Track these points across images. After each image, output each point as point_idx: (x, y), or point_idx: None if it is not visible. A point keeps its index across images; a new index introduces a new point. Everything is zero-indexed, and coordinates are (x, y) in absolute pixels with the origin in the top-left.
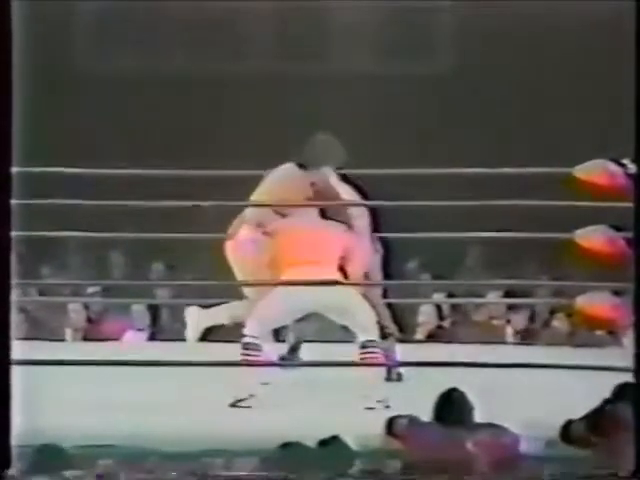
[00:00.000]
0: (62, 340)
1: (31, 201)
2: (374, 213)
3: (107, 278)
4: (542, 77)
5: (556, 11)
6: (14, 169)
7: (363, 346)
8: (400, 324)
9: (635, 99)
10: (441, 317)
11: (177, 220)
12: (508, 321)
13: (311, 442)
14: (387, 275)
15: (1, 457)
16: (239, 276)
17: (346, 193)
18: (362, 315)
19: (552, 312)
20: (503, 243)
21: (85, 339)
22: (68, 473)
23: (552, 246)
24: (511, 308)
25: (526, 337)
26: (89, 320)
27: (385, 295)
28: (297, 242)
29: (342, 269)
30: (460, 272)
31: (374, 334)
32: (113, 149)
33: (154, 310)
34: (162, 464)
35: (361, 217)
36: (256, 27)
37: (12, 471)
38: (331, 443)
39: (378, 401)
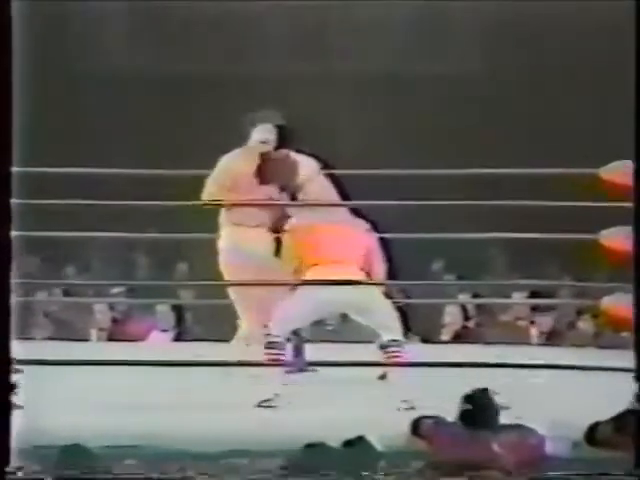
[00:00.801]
0: (87, 340)
1: (31, 201)
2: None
3: (131, 279)
4: (567, 77)
5: (584, 11)
6: (15, 169)
7: (386, 346)
8: (407, 325)
9: (635, 99)
10: (466, 318)
11: (197, 220)
12: (533, 322)
13: (335, 443)
14: (412, 276)
15: (1, 456)
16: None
17: (305, 164)
18: (385, 315)
19: (578, 313)
20: (528, 244)
21: (110, 339)
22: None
23: (577, 247)
24: (536, 309)
25: (551, 338)
26: (114, 321)
27: (409, 296)
28: (320, 240)
29: (364, 269)
30: (485, 273)
31: (398, 334)
32: (119, 149)
33: (179, 311)
34: (186, 464)
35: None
36: (272, 26)
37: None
38: (356, 443)
39: (403, 401)
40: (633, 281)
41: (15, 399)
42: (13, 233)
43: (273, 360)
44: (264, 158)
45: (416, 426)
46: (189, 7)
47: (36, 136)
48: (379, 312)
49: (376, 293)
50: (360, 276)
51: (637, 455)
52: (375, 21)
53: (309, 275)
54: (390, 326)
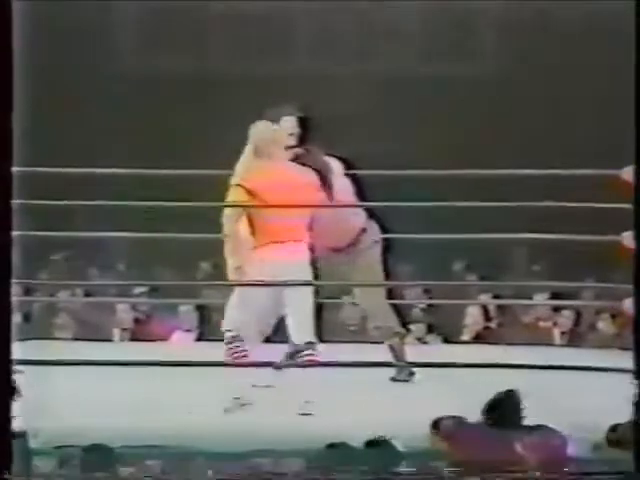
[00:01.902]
0: (110, 340)
1: (31, 201)
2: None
3: (153, 279)
4: (588, 77)
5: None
6: (18, 169)
7: (301, 349)
8: (405, 324)
9: (635, 99)
10: (488, 318)
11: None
12: (555, 323)
13: (358, 443)
14: (434, 276)
15: (1, 458)
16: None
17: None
18: (303, 315)
19: (598, 313)
20: (550, 245)
21: (133, 339)
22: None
23: (599, 248)
24: (558, 310)
25: (573, 339)
26: (137, 321)
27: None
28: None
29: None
30: (507, 274)
31: (311, 335)
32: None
33: (202, 311)
34: (209, 464)
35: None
36: (297, 26)
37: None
38: (378, 444)
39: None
40: (633, 281)
41: (18, 401)
42: (14, 233)
43: (235, 356)
44: (297, 155)
45: (437, 426)
46: (199, 6)
47: (38, 137)
48: (300, 311)
49: (304, 290)
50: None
51: (636, 456)
52: (393, 22)
53: (259, 253)
54: (305, 328)
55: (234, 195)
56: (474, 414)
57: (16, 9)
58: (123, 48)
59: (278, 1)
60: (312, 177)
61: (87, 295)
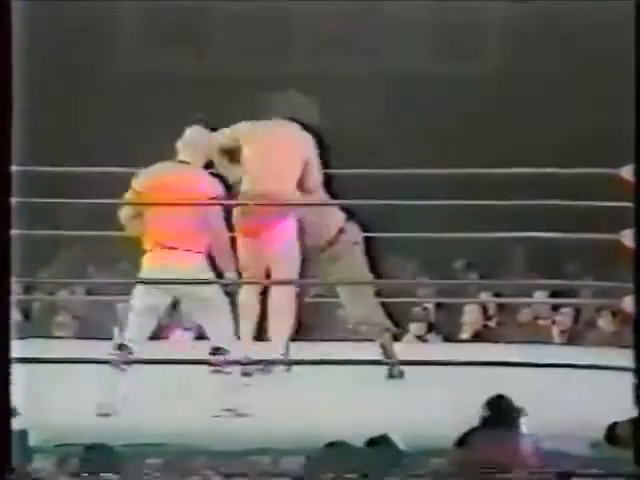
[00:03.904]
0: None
1: (31, 199)
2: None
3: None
4: (585, 77)
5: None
6: (16, 168)
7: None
8: (396, 321)
9: (635, 99)
10: (487, 317)
11: None
12: (554, 322)
13: (358, 442)
14: (434, 274)
15: (1, 458)
16: None
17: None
18: (220, 317)
19: (598, 311)
20: (549, 244)
21: None
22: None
23: (598, 247)
24: (557, 308)
25: (572, 337)
26: None
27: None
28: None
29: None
30: (506, 272)
31: (228, 342)
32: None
33: None
34: (209, 462)
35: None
36: (300, 25)
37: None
38: (379, 442)
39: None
40: (633, 281)
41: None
42: (13, 232)
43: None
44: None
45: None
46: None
47: (38, 135)
48: (213, 312)
49: (214, 289)
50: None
51: (636, 455)
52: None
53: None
54: (222, 333)
55: (127, 195)
56: (470, 412)
57: (15, 8)
58: (124, 47)
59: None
60: (209, 184)
61: (88, 294)
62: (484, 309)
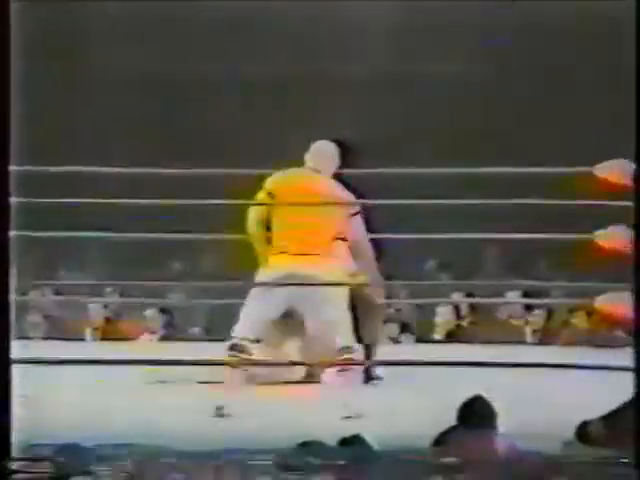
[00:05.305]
0: (81, 340)
1: (30, 199)
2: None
3: (122, 279)
4: (563, 76)
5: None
6: (14, 168)
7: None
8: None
9: (635, 98)
10: (459, 317)
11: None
12: (527, 321)
13: (331, 441)
14: (405, 275)
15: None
16: None
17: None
18: (340, 316)
19: (571, 312)
20: (522, 243)
21: (103, 339)
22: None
23: (571, 246)
24: (530, 308)
25: (545, 337)
26: (107, 320)
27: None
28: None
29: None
30: (479, 273)
31: (350, 339)
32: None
33: (168, 312)
34: (180, 462)
35: None
36: (271, 28)
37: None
38: (352, 442)
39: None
40: (633, 280)
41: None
42: (12, 233)
43: (234, 362)
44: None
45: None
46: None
47: (36, 135)
48: (333, 311)
49: (332, 291)
50: (327, 266)
51: (637, 454)
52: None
53: (272, 261)
54: (344, 330)
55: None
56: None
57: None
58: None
59: (254, 1)
60: (343, 192)
61: (57, 294)
62: (457, 309)
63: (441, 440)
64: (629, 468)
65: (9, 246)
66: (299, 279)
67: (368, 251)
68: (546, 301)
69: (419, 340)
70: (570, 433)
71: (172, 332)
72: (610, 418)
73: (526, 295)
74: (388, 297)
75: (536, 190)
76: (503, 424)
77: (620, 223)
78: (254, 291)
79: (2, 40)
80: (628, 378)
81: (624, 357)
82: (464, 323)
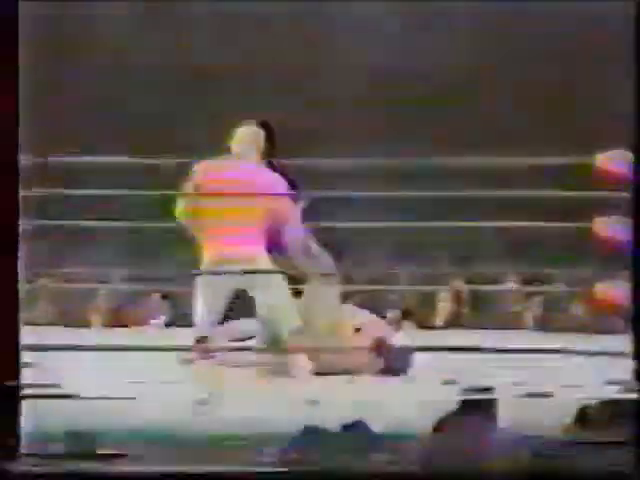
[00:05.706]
0: (89, 326)
1: (34, 192)
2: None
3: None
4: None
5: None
6: (25, 159)
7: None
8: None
9: (635, 96)
10: (460, 304)
11: None
12: (527, 308)
13: (334, 426)
14: (407, 263)
15: (9, 450)
16: None
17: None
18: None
19: (570, 299)
20: (522, 232)
21: (111, 326)
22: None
23: (571, 235)
24: (530, 295)
25: (544, 324)
26: (115, 307)
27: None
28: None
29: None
30: (480, 260)
31: (297, 320)
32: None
33: (172, 299)
34: (185, 448)
35: None
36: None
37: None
38: (355, 427)
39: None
40: (633, 280)
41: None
42: (20, 222)
43: (202, 356)
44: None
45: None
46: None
47: (45, 127)
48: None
49: (272, 276)
50: (260, 251)
51: (637, 454)
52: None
53: (207, 250)
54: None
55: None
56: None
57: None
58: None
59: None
60: (271, 176)
61: (66, 282)
62: (457, 297)
63: (440, 426)
64: (628, 451)
65: (19, 235)
66: (235, 267)
67: (301, 233)
68: (545, 289)
69: (420, 327)
70: (569, 418)
71: (175, 319)
72: (608, 403)
73: (526, 283)
74: (373, 283)
75: (537, 179)
76: (503, 410)
77: (617, 212)
78: (200, 282)
79: (10, 36)
80: (625, 363)
81: (623, 343)
82: (464, 310)
